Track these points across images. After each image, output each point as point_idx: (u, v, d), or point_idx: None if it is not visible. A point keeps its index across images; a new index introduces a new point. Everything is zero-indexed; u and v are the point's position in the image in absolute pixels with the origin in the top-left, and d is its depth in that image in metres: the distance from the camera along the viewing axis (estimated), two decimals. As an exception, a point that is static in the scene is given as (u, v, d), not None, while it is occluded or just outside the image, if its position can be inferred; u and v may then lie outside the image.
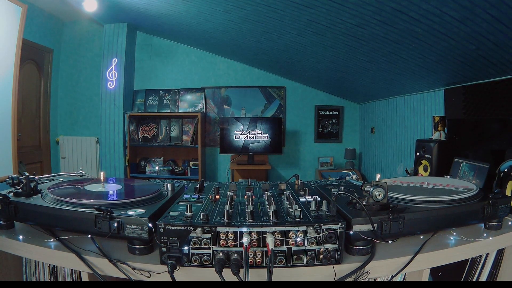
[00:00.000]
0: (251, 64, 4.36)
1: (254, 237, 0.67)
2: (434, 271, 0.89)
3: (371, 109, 4.14)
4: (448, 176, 1.10)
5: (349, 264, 0.71)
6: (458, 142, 2.08)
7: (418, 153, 2.10)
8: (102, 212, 0.70)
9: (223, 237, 0.67)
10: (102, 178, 1.00)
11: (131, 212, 0.73)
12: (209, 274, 0.68)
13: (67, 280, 0.84)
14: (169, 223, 0.68)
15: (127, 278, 0.69)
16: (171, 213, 0.73)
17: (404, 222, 0.74)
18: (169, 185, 0.97)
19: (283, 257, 0.69)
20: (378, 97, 3.81)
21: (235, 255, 0.67)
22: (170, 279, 0.65)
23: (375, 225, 0.72)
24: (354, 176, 1.65)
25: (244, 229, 0.67)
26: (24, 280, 0.88)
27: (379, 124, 3.88)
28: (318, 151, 4.56)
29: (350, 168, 3.84)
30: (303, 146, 4.57)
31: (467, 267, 0.92)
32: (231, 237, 0.67)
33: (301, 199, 0.88)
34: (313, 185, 1.19)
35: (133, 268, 0.69)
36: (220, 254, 0.67)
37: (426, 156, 2.01)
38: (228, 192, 0.90)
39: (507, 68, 1.78)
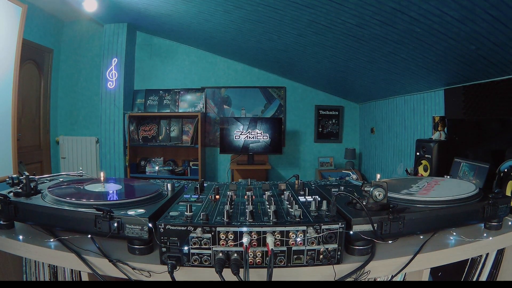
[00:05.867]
0: (251, 64, 4.36)
1: (254, 237, 0.67)
2: (434, 271, 0.89)
3: (371, 109, 4.14)
4: (448, 176, 1.10)
5: (349, 264, 0.71)
6: (458, 142, 2.08)
7: (418, 153, 2.10)
8: (102, 212, 0.71)
9: (223, 237, 0.67)
10: (102, 178, 1.00)
11: (131, 212, 0.73)
12: (209, 274, 0.68)
13: (67, 280, 0.84)
14: (169, 223, 0.68)
15: (127, 278, 0.69)
16: (171, 213, 0.73)
17: (404, 222, 0.74)
18: (169, 185, 0.97)
19: (283, 257, 0.69)
20: (378, 97, 3.81)
21: (235, 255, 0.67)
22: (170, 279, 0.65)
23: (375, 225, 0.72)
24: (354, 176, 1.65)
25: (244, 229, 0.67)
26: (24, 280, 0.88)
27: (379, 124, 3.88)
28: (318, 151, 4.56)
29: (350, 168, 3.84)
30: (303, 146, 4.57)
31: (467, 267, 0.92)
32: (231, 237, 0.67)
33: (301, 199, 0.88)
34: (313, 185, 1.19)
35: (133, 268, 0.69)
36: (220, 254, 0.67)
37: (426, 156, 2.01)
38: (228, 192, 0.90)
39: (507, 68, 1.78)
